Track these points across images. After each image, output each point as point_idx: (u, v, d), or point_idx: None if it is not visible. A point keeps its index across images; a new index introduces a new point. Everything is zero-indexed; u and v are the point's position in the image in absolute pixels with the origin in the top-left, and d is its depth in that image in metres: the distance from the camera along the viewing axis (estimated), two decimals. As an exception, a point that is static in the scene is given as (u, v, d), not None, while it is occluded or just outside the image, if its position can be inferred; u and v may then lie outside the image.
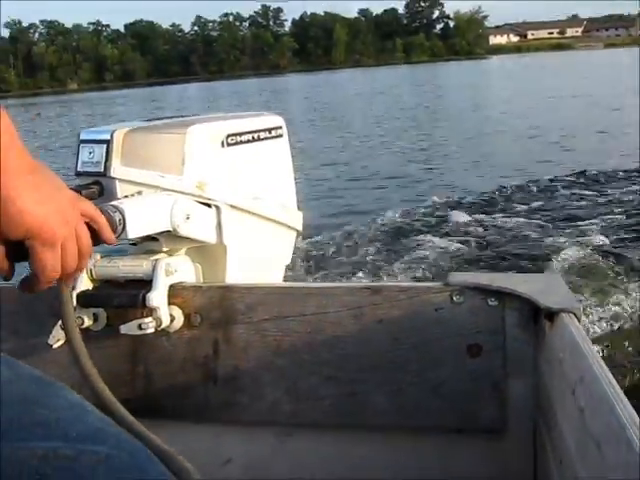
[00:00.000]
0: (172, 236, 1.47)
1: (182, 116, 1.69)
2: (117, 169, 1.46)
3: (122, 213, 1.29)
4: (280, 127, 1.69)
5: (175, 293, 1.44)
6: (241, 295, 1.44)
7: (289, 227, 1.75)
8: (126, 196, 1.42)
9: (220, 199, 1.54)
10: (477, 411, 1.38)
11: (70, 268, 0.92)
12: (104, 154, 1.47)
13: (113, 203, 1.32)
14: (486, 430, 1.39)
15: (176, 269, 1.46)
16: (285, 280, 1.80)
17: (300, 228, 1.78)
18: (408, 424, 1.41)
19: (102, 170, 1.45)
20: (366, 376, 1.41)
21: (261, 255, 1.70)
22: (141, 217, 1.35)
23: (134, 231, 1.33)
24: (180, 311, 1.45)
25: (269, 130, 1.66)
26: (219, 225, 1.54)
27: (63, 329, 1.24)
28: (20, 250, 0.87)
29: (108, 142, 1.48)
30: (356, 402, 1.41)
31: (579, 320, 1.24)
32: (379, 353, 1.40)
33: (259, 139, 1.63)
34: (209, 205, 1.53)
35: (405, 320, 1.39)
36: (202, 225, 1.52)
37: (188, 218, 1.47)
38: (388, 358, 1.40)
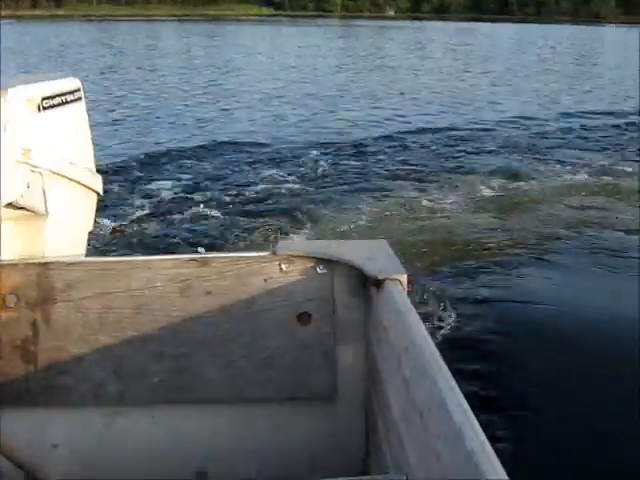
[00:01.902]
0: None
1: None
2: None
3: None
4: (79, 89, 1.65)
5: None
6: (60, 272, 1.40)
7: (93, 190, 1.72)
8: None
9: (42, 165, 1.48)
10: (309, 379, 1.42)
11: None
12: None
13: None
14: (318, 397, 1.43)
15: None
16: (88, 248, 1.75)
17: (101, 191, 1.74)
18: (241, 396, 1.43)
19: None
20: (195, 350, 1.40)
21: (74, 223, 1.65)
22: None
23: None
24: None
25: (72, 93, 1.61)
26: (43, 193, 1.49)
27: None
28: None
29: None
30: (186, 378, 1.41)
31: (404, 287, 1.26)
32: (208, 326, 1.40)
33: (66, 102, 1.58)
34: (35, 172, 1.47)
35: (234, 291, 1.40)
36: (36, 194, 1.47)
37: (28, 187, 1.43)
38: (218, 331, 1.40)
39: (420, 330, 1.04)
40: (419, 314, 1.12)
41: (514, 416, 2.67)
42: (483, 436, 0.76)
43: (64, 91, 1.57)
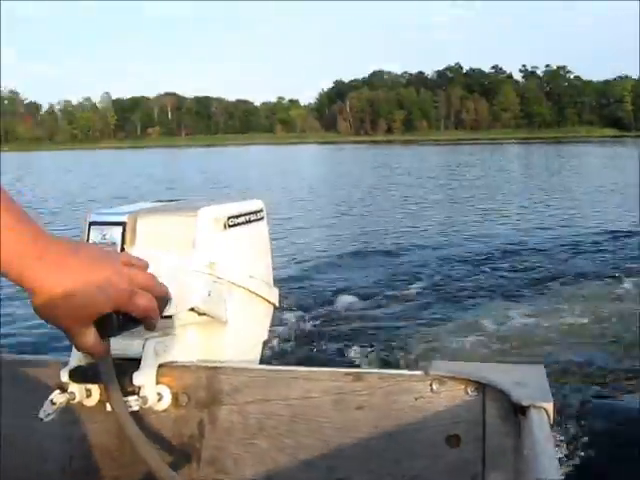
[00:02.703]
0: (183, 313, 1.51)
1: (179, 199, 1.79)
2: (134, 251, 1.50)
3: (167, 290, 1.31)
4: (262, 210, 1.81)
5: (164, 372, 1.46)
6: (227, 376, 1.47)
7: (269, 302, 1.84)
8: None
9: (225, 277, 1.62)
10: None
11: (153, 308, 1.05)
12: (120, 236, 1.53)
13: None
14: None
15: (165, 349, 1.49)
16: (262, 356, 1.85)
17: (277, 303, 1.86)
18: None
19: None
20: (345, 463, 1.42)
21: (250, 331, 1.77)
22: (179, 294, 1.39)
23: (173, 307, 1.36)
24: (168, 390, 1.47)
25: (255, 213, 1.77)
26: (224, 302, 1.62)
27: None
28: (101, 325, 0.98)
29: (124, 224, 1.54)
30: None
31: (549, 416, 1.23)
32: (358, 440, 1.42)
33: (249, 221, 1.74)
34: (218, 283, 1.60)
35: (384, 408, 1.41)
36: (217, 302, 1.60)
37: (209, 295, 1.55)
38: (367, 445, 1.41)
39: (550, 464, 1.01)
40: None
41: None
42: None
43: (248, 211, 1.74)
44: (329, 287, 7.67)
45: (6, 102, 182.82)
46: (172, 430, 1.48)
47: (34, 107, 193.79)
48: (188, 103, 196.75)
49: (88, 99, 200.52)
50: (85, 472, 1.52)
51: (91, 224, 1.57)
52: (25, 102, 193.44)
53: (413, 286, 7.68)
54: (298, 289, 7.29)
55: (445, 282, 7.95)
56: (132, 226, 1.56)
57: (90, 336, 0.96)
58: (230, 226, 1.66)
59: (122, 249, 1.54)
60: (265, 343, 1.87)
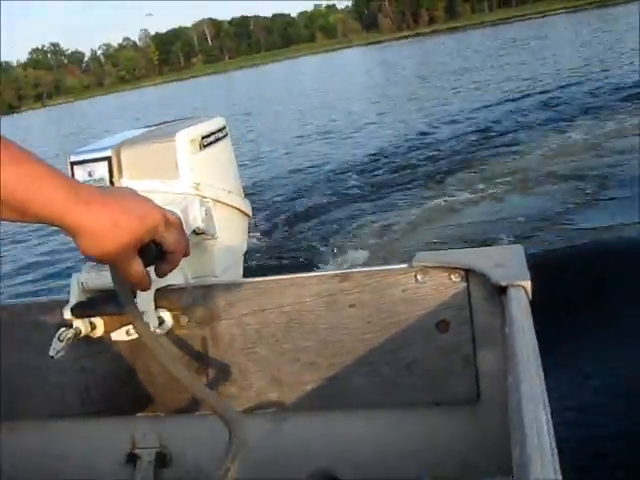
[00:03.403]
0: None
1: (156, 125, 1.86)
2: (124, 184, 1.58)
3: (178, 215, 1.43)
4: (225, 127, 1.87)
5: (162, 296, 1.53)
6: (222, 292, 1.54)
7: (245, 214, 1.92)
8: None
9: (209, 195, 1.71)
10: (451, 384, 1.46)
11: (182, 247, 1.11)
12: (107, 171, 1.59)
13: None
14: (461, 402, 1.49)
15: None
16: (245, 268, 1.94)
17: (251, 214, 1.94)
18: (388, 402, 1.52)
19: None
20: (344, 359, 1.51)
21: (234, 244, 1.86)
22: (184, 218, 1.43)
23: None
24: (168, 313, 1.55)
25: (221, 130, 1.84)
26: (213, 219, 1.70)
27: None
28: (144, 254, 1.04)
29: (109, 159, 1.60)
30: (337, 385, 1.52)
31: (528, 293, 1.27)
32: (353, 337, 1.50)
33: (218, 139, 1.81)
34: (206, 202, 1.69)
35: (375, 303, 1.48)
36: (211, 220, 1.68)
37: (206, 214, 1.64)
38: (362, 341, 1.49)
39: (527, 340, 1.06)
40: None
41: None
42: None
43: (216, 129, 1.81)
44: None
45: (49, 56, 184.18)
46: (177, 350, 1.57)
47: (77, 57, 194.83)
48: (226, 27, 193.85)
49: (127, 39, 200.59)
50: (102, 399, 1.64)
51: (73, 164, 1.63)
52: (67, 53, 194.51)
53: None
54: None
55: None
56: (117, 159, 1.62)
57: (139, 265, 1.05)
58: (204, 146, 1.73)
59: (111, 183, 1.60)
60: (245, 254, 1.96)
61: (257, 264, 4.92)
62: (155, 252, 1.08)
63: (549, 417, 0.83)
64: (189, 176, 1.66)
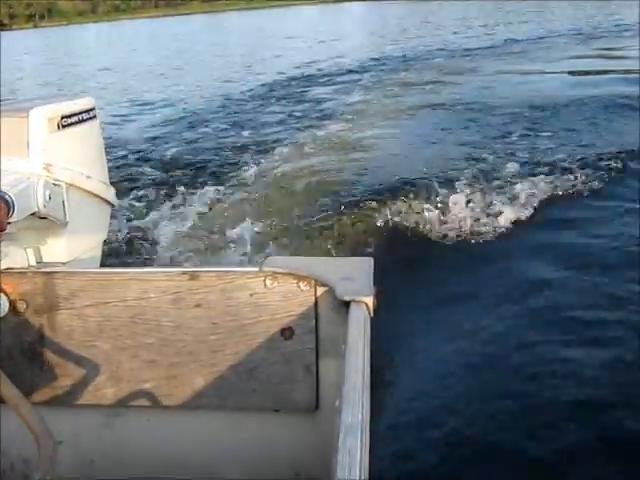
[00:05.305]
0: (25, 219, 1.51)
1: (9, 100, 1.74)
2: None
3: (10, 196, 1.35)
4: (94, 108, 1.77)
5: (1, 279, 1.47)
6: (64, 281, 1.49)
7: (107, 202, 1.84)
8: None
9: (62, 178, 1.61)
10: (291, 391, 1.46)
11: None
12: None
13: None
14: (301, 409, 1.48)
15: (2, 255, 1.47)
16: (103, 256, 1.87)
17: (115, 203, 1.87)
18: (226, 405, 1.50)
19: None
20: (185, 360, 1.48)
21: (90, 232, 1.78)
22: (20, 200, 1.41)
23: (15, 215, 1.38)
24: (5, 297, 1.49)
25: (87, 112, 1.73)
26: (63, 204, 1.62)
27: None
28: None
29: None
30: (176, 385, 1.49)
31: (369, 309, 1.28)
32: (197, 337, 1.47)
33: (83, 120, 1.71)
34: (56, 185, 1.60)
35: (221, 305, 1.46)
36: (57, 204, 1.60)
37: (50, 198, 1.55)
38: (206, 342, 1.47)
39: (358, 358, 1.08)
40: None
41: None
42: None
43: (81, 110, 1.70)
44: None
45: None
46: (12, 337, 1.51)
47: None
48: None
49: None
50: None
51: None
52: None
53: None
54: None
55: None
56: None
57: None
58: (64, 126, 1.63)
59: None
60: (105, 242, 1.89)
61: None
62: None
63: (366, 440, 0.86)
64: (40, 156, 1.57)
